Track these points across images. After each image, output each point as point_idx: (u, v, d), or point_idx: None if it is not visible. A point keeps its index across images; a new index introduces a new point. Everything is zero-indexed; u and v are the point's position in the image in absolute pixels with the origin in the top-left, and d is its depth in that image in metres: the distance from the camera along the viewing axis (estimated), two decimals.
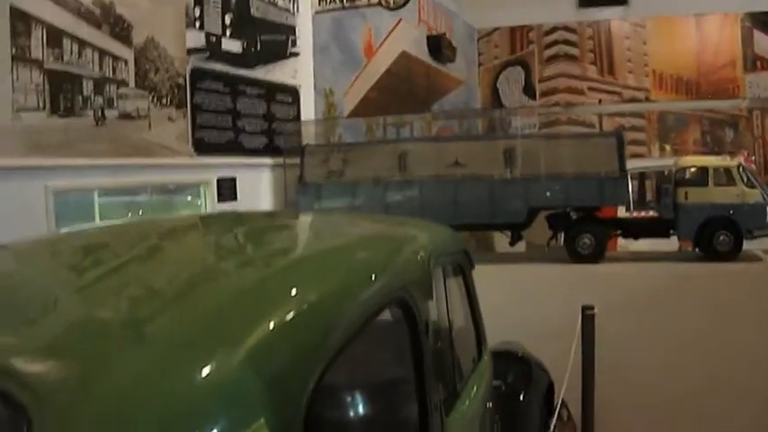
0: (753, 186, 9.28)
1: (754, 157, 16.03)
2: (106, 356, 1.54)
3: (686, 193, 9.03)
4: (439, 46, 15.45)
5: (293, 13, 9.99)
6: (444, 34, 16.04)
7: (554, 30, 19.38)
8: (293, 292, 2.08)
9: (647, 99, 19.01)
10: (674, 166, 9.76)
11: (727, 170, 9.09)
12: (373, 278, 2.68)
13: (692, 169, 9.24)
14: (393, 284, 2.78)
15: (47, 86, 6.31)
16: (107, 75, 6.97)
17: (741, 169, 9.24)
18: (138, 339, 1.67)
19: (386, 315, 2.51)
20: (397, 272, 3.05)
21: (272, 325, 1.75)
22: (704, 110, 18.81)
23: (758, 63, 18.83)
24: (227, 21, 8.68)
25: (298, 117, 10.02)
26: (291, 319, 1.81)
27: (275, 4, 9.61)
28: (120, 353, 1.56)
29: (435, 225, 4.14)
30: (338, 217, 4.75)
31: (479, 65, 19.73)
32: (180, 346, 1.57)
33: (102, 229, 4.19)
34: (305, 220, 4.55)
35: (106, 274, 3.01)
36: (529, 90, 19.57)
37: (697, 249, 9.34)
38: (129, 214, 8.31)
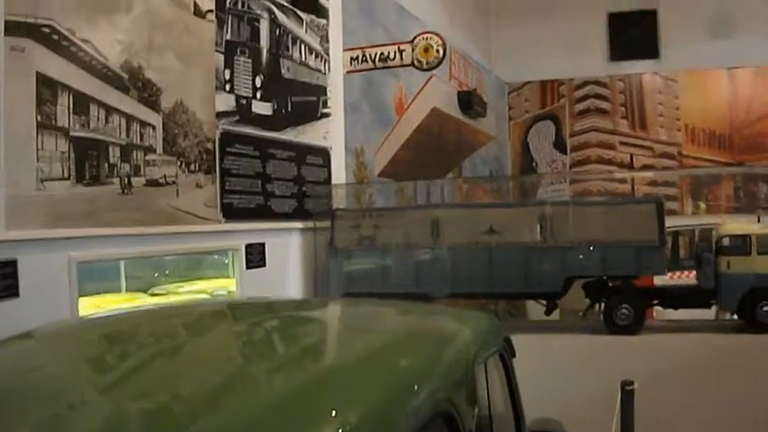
0: None
1: None
2: None
3: (728, 262, 8.75)
4: (470, 102, 15.30)
5: (324, 73, 9.83)
6: (475, 89, 15.90)
7: (585, 84, 19.24)
8: (330, 409, 1.92)
9: (680, 154, 18.80)
10: (714, 230, 9.49)
11: None
12: (416, 389, 2.49)
13: (734, 237, 8.95)
14: (436, 395, 2.60)
15: (72, 154, 6.15)
16: (134, 141, 6.80)
17: None
18: None
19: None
20: (440, 378, 2.84)
21: None
22: (736, 164, 18.62)
23: None
24: (258, 83, 8.52)
25: (329, 179, 9.84)
26: None
27: (307, 65, 9.47)
28: None
29: (476, 315, 3.94)
30: (373, 308, 4.52)
31: (510, 119, 19.61)
32: None
33: (126, 317, 3.98)
34: (338, 311, 4.33)
35: (130, 375, 2.80)
36: (559, 144, 19.42)
37: (735, 316, 9.07)
38: (156, 274, 8.17)
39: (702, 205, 17.03)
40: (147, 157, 6.94)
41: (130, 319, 3.87)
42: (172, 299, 7.84)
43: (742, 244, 8.84)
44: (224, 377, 2.72)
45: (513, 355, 4.03)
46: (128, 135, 6.74)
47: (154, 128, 7.05)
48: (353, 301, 6.26)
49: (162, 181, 7.10)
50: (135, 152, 6.81)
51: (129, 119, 6.77)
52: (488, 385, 3.42)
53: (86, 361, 3.02)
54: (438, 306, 5.72)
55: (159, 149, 7.09)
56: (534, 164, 19.62)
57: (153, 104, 7.03)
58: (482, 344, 3.47)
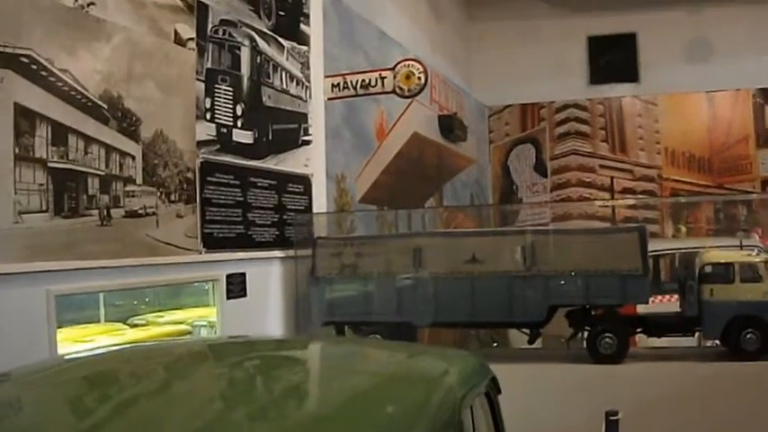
0: None
1: None
2: None
3: (711, 290, 8.72)
4: (450, 126, 15.30)
5: (305, 100, 9.78)
6: (456, 113, 15.89)
7: (565, 107, 19.29)
8: None
9: (660, 176, 18.87)
10: (697, 256, 9.46)
11: (754, 266, 8.78)
12: None
13: (717, 265, 8.93)
14: None
15: (50, 186, 6.07)
16: (113, 172, 6.73)
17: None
18: None
19: None
20: (427, 424, 2.81)
21: None
22: (716, 186, 18.70)
23: None
24: (239, 111, 8.47)
25: (310, 206, 9.78)
26: None
27: (288, 92, 9.42)
28: None
29: (462, 355, 3.90)
30: (357, 348, 4.47)
31: (490, 142, 19.62)
32: None
33: (104, 358, 3.92)
34: (320, 352, 4.27)
35: (110, 420, 2.74)
36: (540, 168, 19.46)
37: (718, 342, 9.04)
38: (135, 302, 8.09)
39: (683, 228, 17.02)
40: (126, 188, 6.86)
41: (108, 361, 3.81)
42: (152, 330, 7.77)
43: (725, 272, 8.80)
44: (204, 424, 2.66)
45: (499, 392, 4.00)
46: (107, 166, 6.66)
47: (133, 158, 6.97)
48: (336, 341, 6.21)
49: (141, 212, 7.02)
50: (114, 183, 6.73)
51: (109, 149, 6.69)
52: (475, 427, 3.38)
53: (63, 406, 2.96)
54: (423, 346, 5.65)
55: (139, 180, 7.02)
56: (515, 187, 19.64)
57: (132, 134, 6.96)
58: (469, 386, 3.44)
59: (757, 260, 8.94)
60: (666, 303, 10.09)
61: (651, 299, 9.02)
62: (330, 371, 3.73)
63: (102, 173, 6.60)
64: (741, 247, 9.85)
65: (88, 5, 6.51)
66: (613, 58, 18.75)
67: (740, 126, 18.78)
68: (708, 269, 8.88)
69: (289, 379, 3.38)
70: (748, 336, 8.59)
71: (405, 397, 3.04)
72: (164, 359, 3.75)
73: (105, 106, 6.66)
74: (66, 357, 4.44)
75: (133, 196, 6.93)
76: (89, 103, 6.49)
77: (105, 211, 6.60)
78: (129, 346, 5.46)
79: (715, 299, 8.71)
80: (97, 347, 6.61)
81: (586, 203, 18.38)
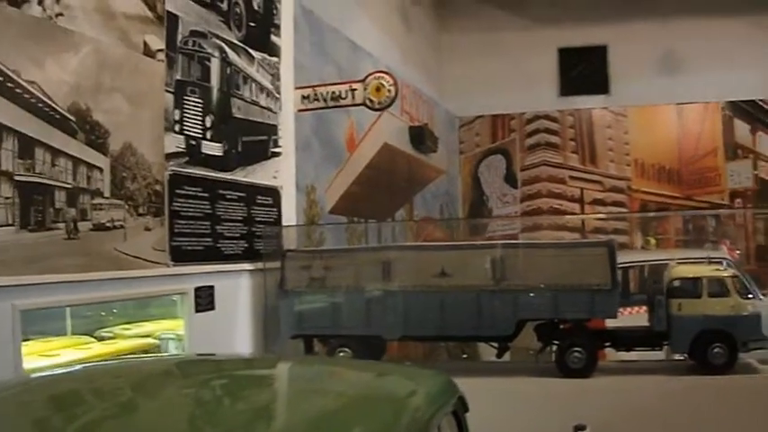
0: (747, 297, 9.06)
1: (738, 252, 15.91)
2: None
3: (679, 305, 8.75)
4: (421, 136, 15.29)
5: (275, 112, 9.75)
6: (426, 124, 15.89)
7: (536, 118, 19.36)
8: None
9: (629, 188, 18.97)
10: (666, 270, 9.51)
11: (721, 281, 8.83)
12: None
13: (685, 280, 8.97)
14: None
15: (17, 200, 6.01)
16: (81, 185, 6.67)
17: (735, 279, 8.99)
18: None
19: None
20: None
21: None
22: (684, 198, 18.83)
23: (739, 151, 18.87)
24: (208, 123, 8.42)
25: (279, 219, 9.73)
26: None
27: (258, 104, 9.38)
28: None
29: (430, 374, 3.89)
30: (325, 367, 4.45)
31: (461, 153, 19.65)
32: None
33: (70, 376, 3.88)
34: (288, 372, 4.25)
35: None
36: (510, 178, 19.50)
37: (686, 356, 9.08)
38: (103, 314, 8.02)
39: (652, 240, 17.10)
40: (93, 201, 6.80)
41: (72, 380, 3.77)
42: (119, 344, 7.72)
43: (693, 287, 8.85)
44: None
45: (466, 410, 3.99)
46: (74, 179, 6.60)
47: (101, 171, 6.91)
48: (303, 360, 6.18)
49: (109, 225, 6.96)
50: (82, 196, 6.68)
51: (76, 162, 6.63)
52: None
53: (26, 428, 2.93)
54: (391, 365, 5.63)
55: (107, 193, 6.96)
56: (485, 197, 19.67)
57: (101, 147, 6.90)
58: (436, 406, 3.43)
59: (724, 275, 8.99)
60: (635, 315, 10.11)
61: (620, 310, 9.04)
62: (297, 391, 3.71)
63: (70, 186, 6.54)
64: (709, 261, 9.89)
65: (57, 16, 6.46)
66: (584, 70, 18.85)
67: (709, 138, 18.92)
68: (676, 284, 8.92)
69: (256, 400, 3.36)
70: (715, 350, 8.63)
71: (372, 418, 3.03)
72: (129, 379, 3.72)
73: (73, 118, 6.60)
74: (30, 377, 4.40)
75: (101, 209, 6.88)
76: (57, 116, 6.44)
77: (72, 225, 6.54)
78: (93, 364, 5.42)
79: (683, 313, 8.74)
80: (63, 362, 6.58)
81: (557, 216, 18.49)
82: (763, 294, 11.51)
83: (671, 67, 18.36)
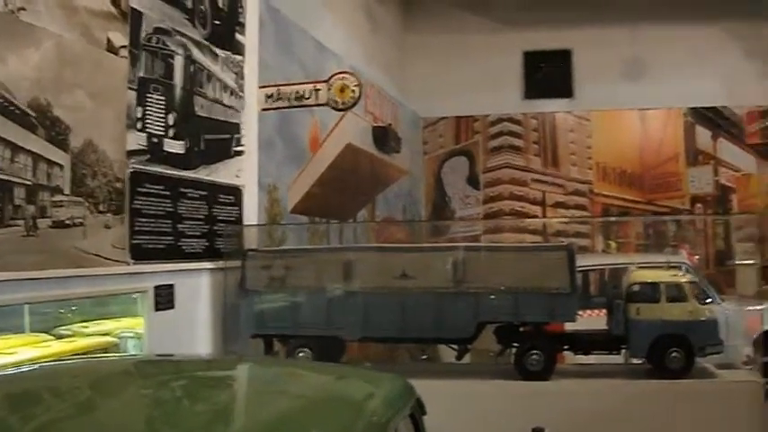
0: (705, 302, 9.15)
1: (697, 257, 16.05)
2: None
3: (638, 309, 8.82)
4: (385, 137, 15.29)
5: (239, 111, 9.71)
6: (390, 125, 15.89)
7: (499, 121, 19.43)
8: None
9: (591, 192, 19.09)
10: (625, 275, 9.58)
11: (679, 286, 8.91)
12: None
13: (644, 284, 9.03)
14: None
15: None
16: (41, 181, 6.61)
17: (693, 284, 9.07)
18: None
19: None
20: None
21: None
22: (646, 202, 18.97)
23: (700, 157, 19.05)
24: (171, 120, 8.37)
25: (240, 217, 9.70)
26: None
27: (221, 102, 9.34)
28: None
29: (387, 378, 3.89)
30: (283, 369, 4.44)
31: (424, 154, 19.68)
32: None
33: (27, 375, 3.85)
34: (245, 373, 4.23)
35: None
36: (473, 180, 19.56)
37: (644, 360, 9.15)
38: (62, 310, 7.94)
39: (613, 244, 17.22)
40: (54, 198, 6.74)
41: (29, 380, 3.74)
42: (78, 342, 7.65)
43: (651, 291, 8.91)
44: None
45: (424, 413, 4.00)
46: (34, 175, 6.54)
47: (62, 167, 6.85)
48: (262, 361, 6.16)
49: (69, 222, 6.90)
50: (41, 193, 6.62)
51: (36, 158, 6.57)
52: None
53: None
54: (349, 368, 5.62)
55: (67, 190, 6.90)
56: (447, 199, 19.72)
57: (61, 143, 6.84)
58: (394, 409, 3.43)
59: (683, 280, 9.07)
60: (595, 318, 10.17)
61: (580, 313, 9.10)
62: (255, 394, 3.70)
63: (30, 182, 6.48)
64: (668, 266, 9.97)
65: (19, 10, 6.40)
66: (548, 74, 18.93)
67: (671, 144, 19.09)
68: (635, 288, 8.99)
69: (213, 401, 3.34)
70: (673, 354, 8.70)
71: (329, 421, 3.03)
72: (86, 379, 3.69)
73: (34, 114, 6.54)
74: None
75: (61, 206, 6.81)
76: (17, 111, 6.37)
77: (31, 222, 6.49)
78: (50, 363, 5.38)
79: (641, 318, 8.81)
80: (19, 361, 6.52)
81: (518, 219, 18.59)
82: (722, 299, 11.65)
83: (634, 72, 18.49)
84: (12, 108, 6.32)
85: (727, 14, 18.05)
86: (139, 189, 7.90)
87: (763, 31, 18.03)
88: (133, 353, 7.93)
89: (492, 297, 8.79)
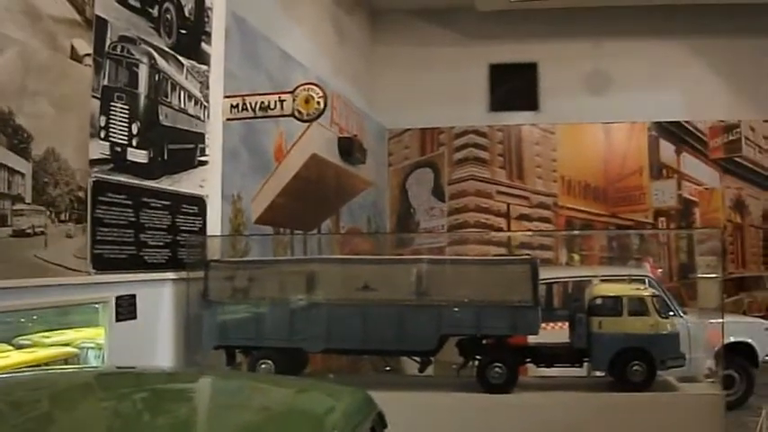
0: (667, 315, 9.21)
1: (660, 270, 16.15)
2: None
3: (600, 322, 8.85)
4: (350, 148, 15.28)
5: (203, 120, 9.67)
6: (356, 136, 15.91)
7: (465, 133, 19.49)
8: None
9: (555, 204, 19.17)
10: (587, 288, 9.62)
11: (641, 300, 8.95)
12: None
13: (606, 298, 9.07)
14: None
15: None
16: (1, 189, 6.54)
17: (655, 298, 9.12)
18: None
19: None
20: None
21: None
22: (609, 215, 19.07)
23: (664, 171, 19.19)
24: (134, 130, 8.32)
25: (204, 228, 9.64)
26: None
27: (186, 112, 9.29)
28: None
29: (348, 391, 3.88)
30: (243, 382, 4.42)
31: (389, 165, 19.68)
32: None
33: None
34: (205, 386, 4.20)
35: None
36: (438, 192, 19.59)
37: (606, 374, 9.18)
38: (23, 320, 7.86)
39: (576, 256, 17.28)
40: (14, 207, 6.67)
41: None
42: (38, 353, 7.57)
43: (613, 305, 8.96)
44: None
45: (385, 427, 3.99)
46: None
47: (23, 176, 6.78)
48: (223, 375, 6.12)
49: (30, 231, 6.83)
50: (2, 201, 6.55)
51: None
52: None
53: None
54: (310, 381, 5.60)
55: (28, 198, 6.82)
56: (412, 210, 19.72)
57: (23, 152, 6.77)
58: (354, 422, 3.43)
59: (645, 294, 9.13)
60: (558, 330, 10.21)
61: (543, 325, 9.13)
62: (216, 407, 3.68)
63: None
64: (630, 279, 10.03)
65: None
66: (514, 87, 19.01)
67: (635, 158, 19.23)
68: (597, 302, 9.03)
69: (174, 415, 3.32)
70: (634, 367, 8.74)
71: None
72: (45, 392, 3.66)
73: None
74: None
75: (21, 215, 6.75)
76: None
77: None
78: (8, 375, 5.32)
79: (603, 331, 8.85)
80: None
81: (483, 231, 18.64)
82: (684, 312, 11.72)
83: (599, 86, 18.63)
84: None
85: (690, 30, 18.27)
86: (102, 198, 7.84)
87: (726, 47, 18.24)
88: (94, 363, 7.86)
89: (455, 309, 8.81)
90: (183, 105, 9.32)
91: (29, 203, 6.85)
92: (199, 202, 9.64)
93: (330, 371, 10.58)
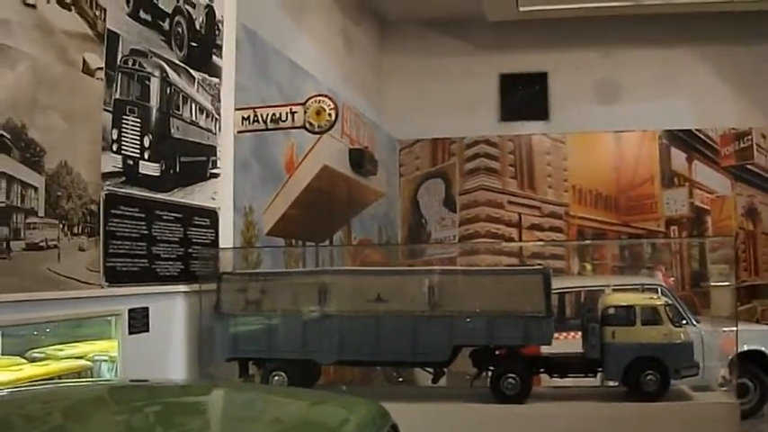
0: (680, 324, 9.18)
1: (673, 278, 16.12)
2: None
3: (613, 332, 8.83)
4: (361, 159, 15.27)
5: (215, 133, 9.69)
6: (367, 147, 15.92)
7: (475, 143, 19.43)
8: None
9: (567, 214, 19.12)
10: (600, 298, 9.60)
11: (654, 309, 8.93)
12: None
13: (619, 308, 9.05)
14: None
15: None
16: (15, 203, 6.56)
17: (668, 307, 9.10)
18: None
19: None
20: None
21: None
22: (621, 224, 19.02)
23: (675, 179, 19.11)
24: (146, 143, 8.34)
25: (216, 240, 9.65)
26: None
27: (197, 125, 9.31)
28: None
29: (362, 403, 3.88)
30: (258, 395, 4.41)
31: (400, 176, 19.66)
32: None
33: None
34: (220, 400, 4.20)
35: None
36: (449, 202, 19.54)
37: (620, 383, 9.16)
38: (36, 333, 7.88)
39: (588, 266, 17.25)
40: (27, 220, 6.69)
41: (2, 404, 3.70)
42: (51, 366, 7.58)
43: (626, 314, 8.94)
44: None
45: None
46: (8, 197, 6.50)
47: (36, 189, 6.81)
48: (236, 387, 6.12)
49: (43, 245, 6.85)
50: (15, 215, 6.57)
51: (10, 180, 6.53)
52: None
53: None
54: (324, 393, 5.59)
55: (41, 212, 6.85)
56: (424, 221, 19.69)
57: (36, 165, 6.80)
58: None
59: (658, 303, 9.10)
60: (571, 340, 10.19)
61: (557, 335, 9.12)
62: (229, 420, 3.68)
63: (3, 204, 6.44)
64: (643, 288, 10.00)
65: None
66: (524, 96, 18.98)
67: (646, 166, 19.13)
68: (610, 311, 9.01)
69: (187, 429, 3.32)
70: (648, 377, 8.72)
71: None
72: (59, 405, 3.66)
73: (8, 136, 6.50)
74: None
75: (35, 228, 6.77)
76: None
77: (5, 244, 6.44)
78: (23, 387, 5.33)
79: (617, 341, 8.83)
80: None
81: (495, 241, 18.60)
82: (697, 320, 11.69)
83: (610, 95, 18.59)
84: None
85: (700, 38, 18.20)
86: (114, 211, 7.86)
87: (737, 54, 18.19)
88: (107, 376, 7.87)
89: (468, 320, 8.79)
90: (194, 118, 9.34)
91: (42, 217, 6.87)
92: (211, 215, 9.65)
93: (343, 382, 10.58)
